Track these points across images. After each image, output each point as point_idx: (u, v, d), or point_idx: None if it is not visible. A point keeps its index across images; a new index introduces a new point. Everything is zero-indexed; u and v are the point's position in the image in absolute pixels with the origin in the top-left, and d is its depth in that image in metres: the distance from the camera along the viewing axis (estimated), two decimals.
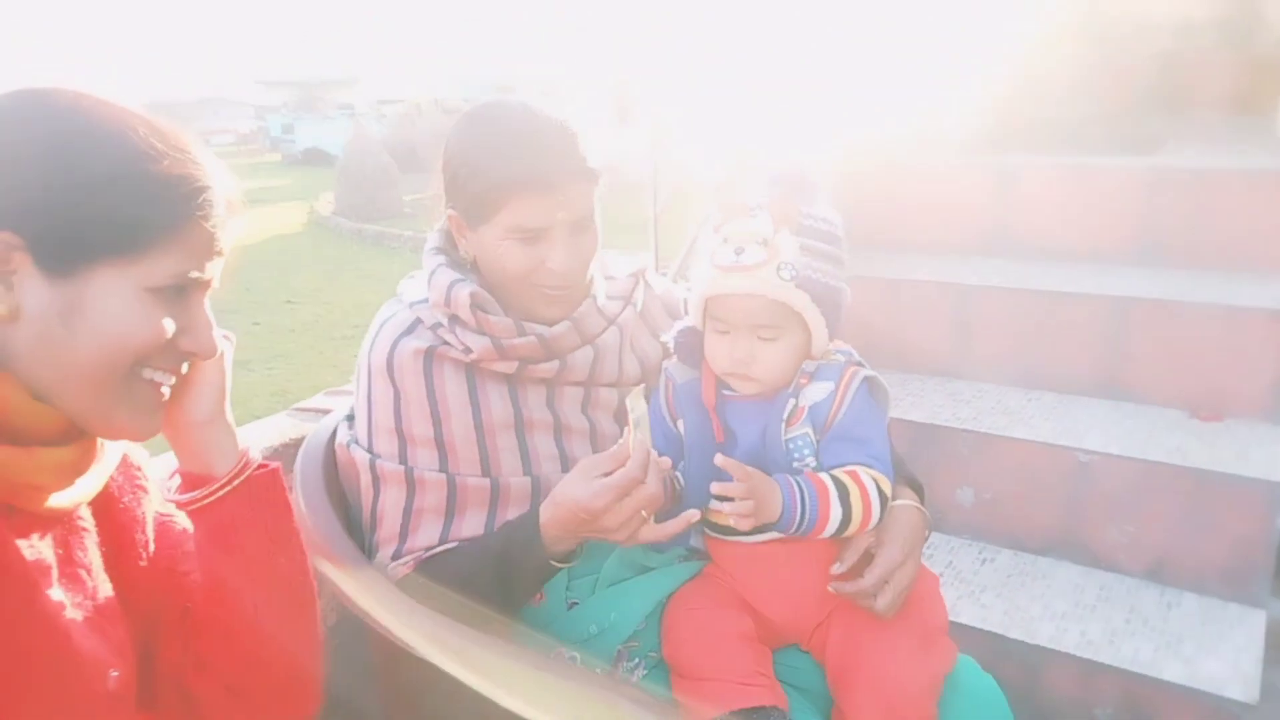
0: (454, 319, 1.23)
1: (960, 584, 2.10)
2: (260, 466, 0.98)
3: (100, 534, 0.92)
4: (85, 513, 0.90)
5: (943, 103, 3.34)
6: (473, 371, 1.25)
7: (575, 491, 1.11)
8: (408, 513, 1.23)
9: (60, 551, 0.85)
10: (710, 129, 3.12)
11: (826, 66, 2.89)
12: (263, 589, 0.97)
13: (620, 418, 1.37)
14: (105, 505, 0.93)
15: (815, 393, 1.20)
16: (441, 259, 1.28)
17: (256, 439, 1.57)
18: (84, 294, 0.79)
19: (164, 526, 1.01)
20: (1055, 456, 2.15)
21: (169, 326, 0.83)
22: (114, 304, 0.80)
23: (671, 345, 1.26)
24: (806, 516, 1.14)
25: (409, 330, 1.25)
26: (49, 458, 0.83)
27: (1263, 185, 2.46)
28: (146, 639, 0.95)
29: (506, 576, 1.19)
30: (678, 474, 1.24)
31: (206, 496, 0.95)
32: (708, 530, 1.27)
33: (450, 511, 1.23)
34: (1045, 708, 1.90)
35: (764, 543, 1.24)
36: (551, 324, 1.27)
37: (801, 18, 3.05)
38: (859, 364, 1.23)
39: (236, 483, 0.95)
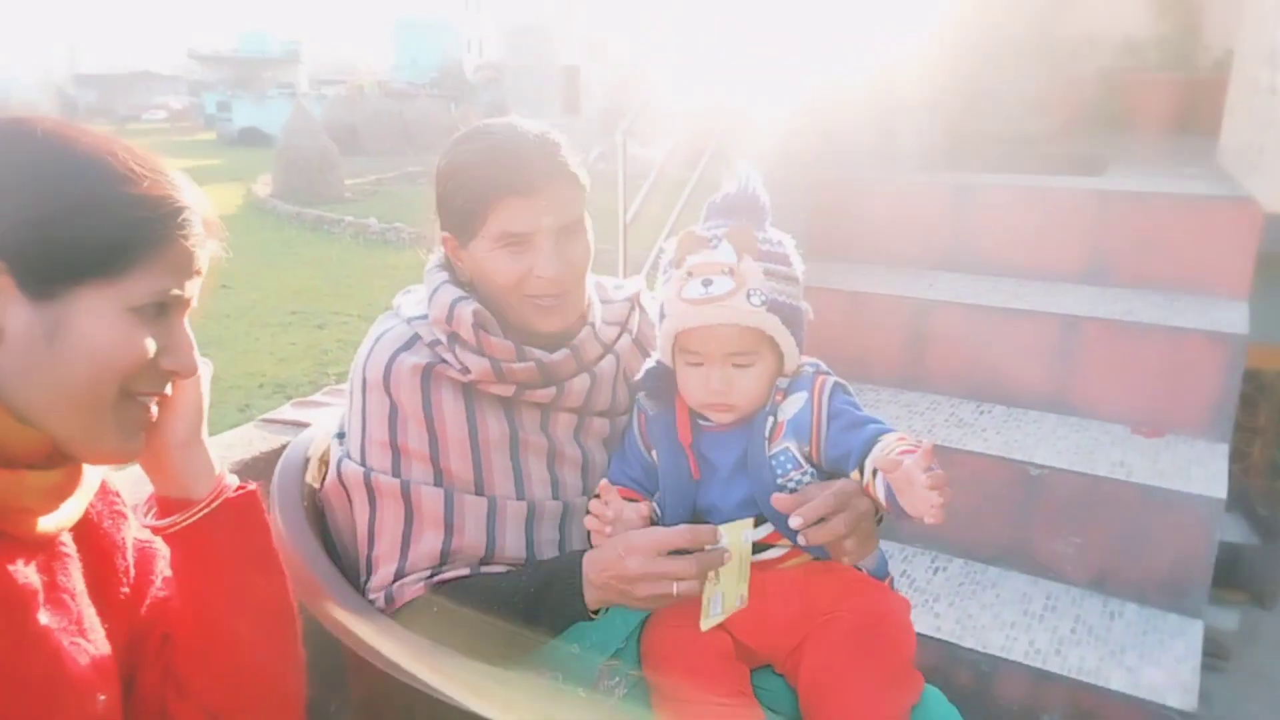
0: (454, 337, 1.23)
1: (914, 592, 2.15)
2: (239, 488, 0.97)
3: (82, 560, 0.91)
4: (67, 538, 0.89)
5: (901, 117, 3.41)
6: (470, 391, 1.24)
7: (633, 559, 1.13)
8: (407, 527, 1.21)
9: (45, 577, 0.84)
10: (669, 117, 3.13)
11: (785, 69, 2.92)
12: (242, 612, 0.96)
13: (611, 446, 1.38)
14: (86, 531, 0.92)
15: (792, 405, 1.22)
16: (444, 276, 1.27)
17: (223, 452, 1.54)
18: (67, 315, 0.79)
19: (143, 553, 0.99)
20: (1007, 470, 2.22)
21: (151, 346, 0.83)
22: (97, 324, 0.80)
23: (641, 383, 1.27)
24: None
25: (407, 346, 1.23)
26: (36, 481, 0.83)
27: (1203, 211, 2.56)
28: (128, 664, 0.94)
29: (535, 618, 1.18)
30: (655, 505, 1.25)
31: (184, 520, 0.93)
32: None
33: (449, 527, 1.21)
34: (995, 715, 1.97)
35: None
36: (549, 339, 1.27)
37: (756, 20, 3.08)
38: (825, 373, 1.26)
39: (214, 505, 0.94)
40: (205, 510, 0.94)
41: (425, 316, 1.25)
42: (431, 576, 1.22)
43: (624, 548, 1.16)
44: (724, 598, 1.16)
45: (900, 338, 2.63)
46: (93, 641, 0.88)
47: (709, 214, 1.28)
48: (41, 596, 0.82)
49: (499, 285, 1.22)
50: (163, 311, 0.85)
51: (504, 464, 1.24)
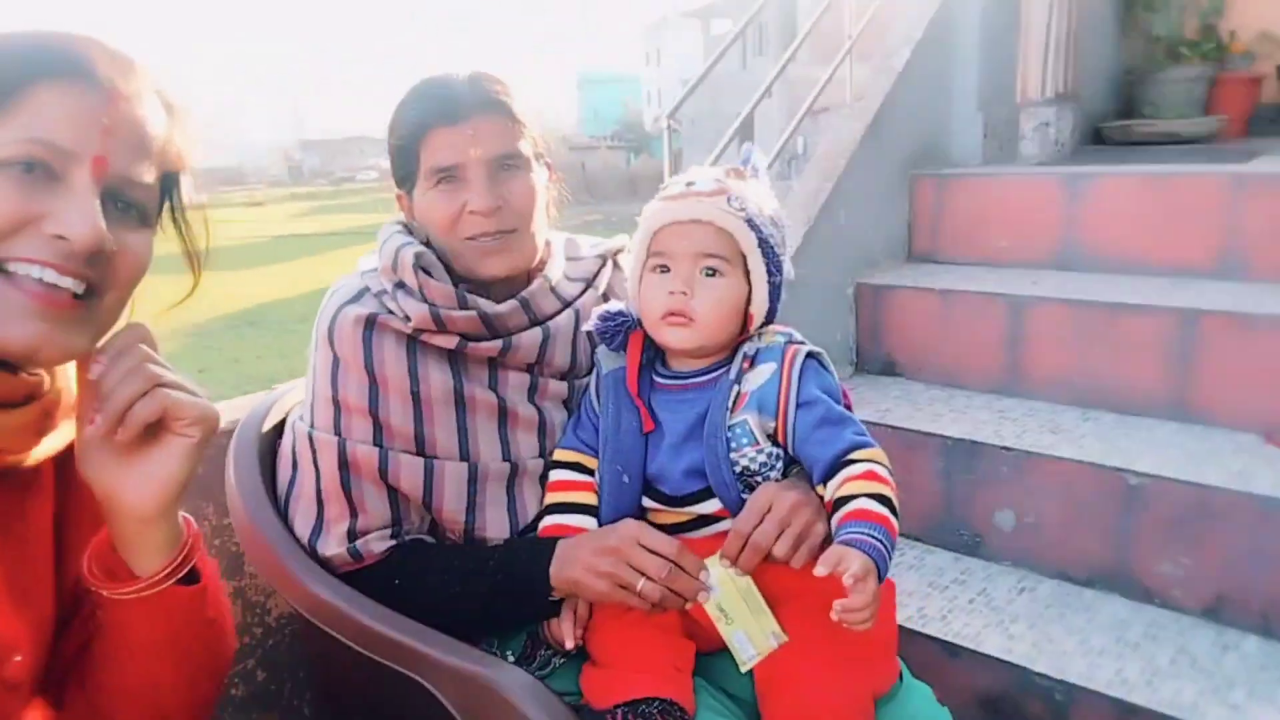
0: (399, 285, 1.22)
1: (990, 612, 1.94)
2: (191, 568, 0.87)
3: (59, 496, 0.88)
4: (46, 471, 0.86)
5: (1025, 113, 3.19)
6: (414, 343, 1.22)
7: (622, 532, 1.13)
8: (352, 488, 1.20)
9: (4, 506, 0.82)
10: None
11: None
12: (167, 668, 0.89)
13: (573, 408, 1.32)
14: (69, 467, 0.86)
15: (758, 376, 1.15)
16: (397, 228, 1.28)
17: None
18: None
19: None
20: (1102, 478, 1.97)
21: (23, 206, 0.75)
22: None
23: (595, 330, 1.21)
24: (890, 550, 1.04)
25: (355, 298, 1.23)
26: (7, 420, 0.80)
27: None
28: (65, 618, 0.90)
29: (496, 590, 1.16)
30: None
31: (116, 594, 0.84)
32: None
33: (389, 487, 1.20)
34: None
35: (698, 538, 1.17)
36: (500, 290, 1.24)
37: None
38: (800, 342, 1.17)
39: (157, 590, 0.85)
40: (144, 593, 0.85)
41: (377, 269, 1.25)
42: (394, 535, 1.21)
43: (615, 528, 1.13)
44: (750, 637, 1.10)
45: (995, 339, 2.42)
46: (32, 591, 0.84)
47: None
48: None
49: (438, 228, 1.21)
50: (49, 171, 0.76)
51: (447, 420, 1.21)
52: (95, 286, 0.80)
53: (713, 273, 1.13)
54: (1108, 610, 1.94)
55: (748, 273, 1.14)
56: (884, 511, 1.04)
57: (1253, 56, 4.23)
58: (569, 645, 1.16)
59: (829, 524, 1.07)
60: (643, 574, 1.09)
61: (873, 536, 1.01)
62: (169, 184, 0.89)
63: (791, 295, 2.39)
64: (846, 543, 1.00)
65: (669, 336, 1.15)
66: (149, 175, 0.83)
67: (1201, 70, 4.08)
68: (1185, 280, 2.40)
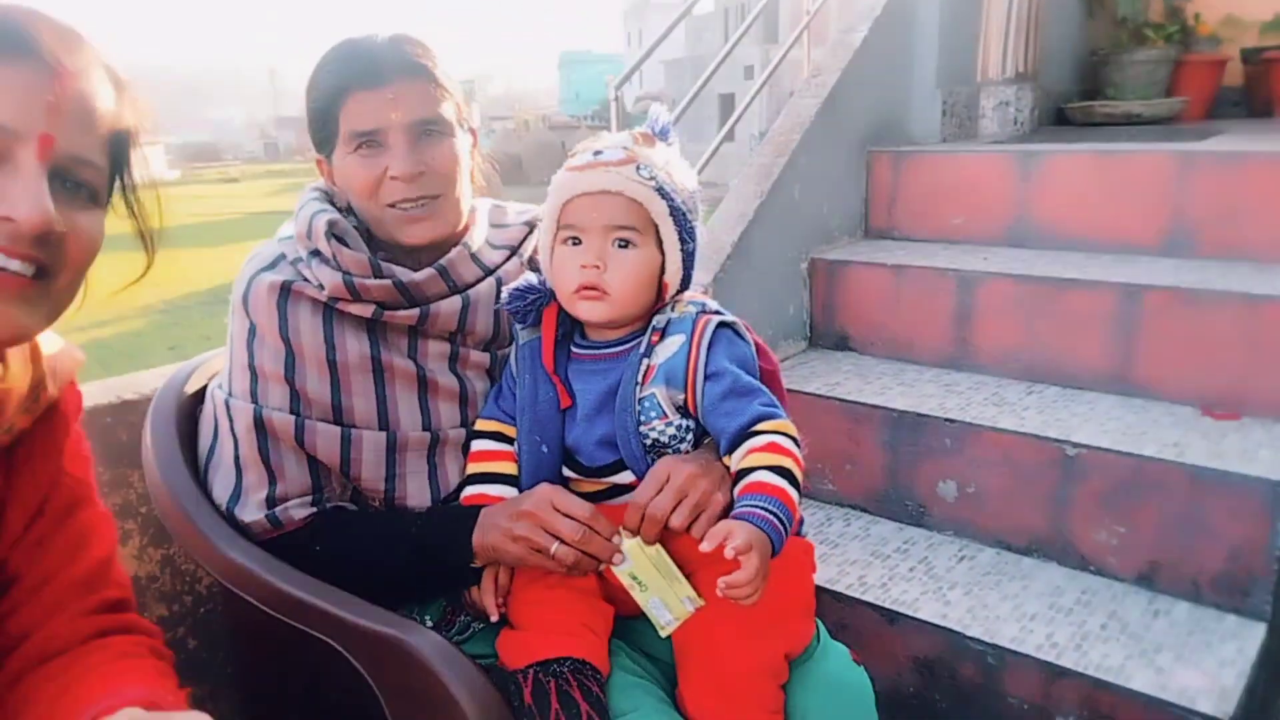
0: (314, 253, 1.20)
1: (929, 580, 1.97)
2: None
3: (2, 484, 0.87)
4: None
5: (985, 92, 3.20)
6: (330, 310, 1.20)
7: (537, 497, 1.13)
8: (270, 455, 1.19)
9: None
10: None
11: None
12: None
13: (496, 378, 1.31)
14: (20, 455, 0.88)
15: (666, 349, 1.14)
16: (315, 194, 1.26)
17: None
18: None
19: (83, 519, 0.93)
20: (1041, 449, 2.00)
21: None
22: None
23: (507, 309, 1.21)
24: (786, 523, 1.04)
25: (270, 265, 1.22)
26: None
27: None
28: None
29: (419, 554, 1.17)
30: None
31: None
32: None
33: (308, 455, 1.20)
34: (1004, 712, 1.76)
35: (616, 505, 1.17)
36: (422, 256, 1.23)
37: None
38: (715, 312, 1.17)
39: None
40: None
41: (293, 236, 1.24)
42: (315, 503, 1.21)
43: (530, 492, 1.13)
44: (666, 603, 1.11)
45: (945, 314, 2.44)
46: None
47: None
48: None
49: (359, 194, 1.19)
50: None
51: (365, 387, 1.21)
52: (47, 267, 0.78)
53: (625, 244, 1.12)
54: (1044, 578, 1.97)
55: (660, 241, 1.14)
56: (781, 484, 1.04)
57: (1218, 40, 4.26)
58: (492, 615, 1.16)
59: (732, 495, 1.08)
60: (557, 537, 1.10)
61: (766, 509, 1.02)
62: (119, 161, 0.87)
63: (744, 269, 2.43)
64: (739, 516, 1.01)
65: (583, 310, 1.15)
66: (98, 153, 0.82)
67: (1165, 53, 4.10)
68: (1133, 257, 2.42)
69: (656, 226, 1.13)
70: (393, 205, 1.19)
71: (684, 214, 1.14)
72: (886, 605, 1.89)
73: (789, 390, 2.31)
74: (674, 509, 1.06)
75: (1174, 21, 4.20)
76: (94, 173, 0.82)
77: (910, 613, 1.86)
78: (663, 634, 1.13)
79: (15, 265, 0.76)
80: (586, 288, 1.12)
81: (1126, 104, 3.77)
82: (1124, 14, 4.14)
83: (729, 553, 0.95)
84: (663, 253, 1.14)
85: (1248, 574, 1.80)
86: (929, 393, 2.28)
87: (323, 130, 1.20)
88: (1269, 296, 2.01)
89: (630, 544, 1.10)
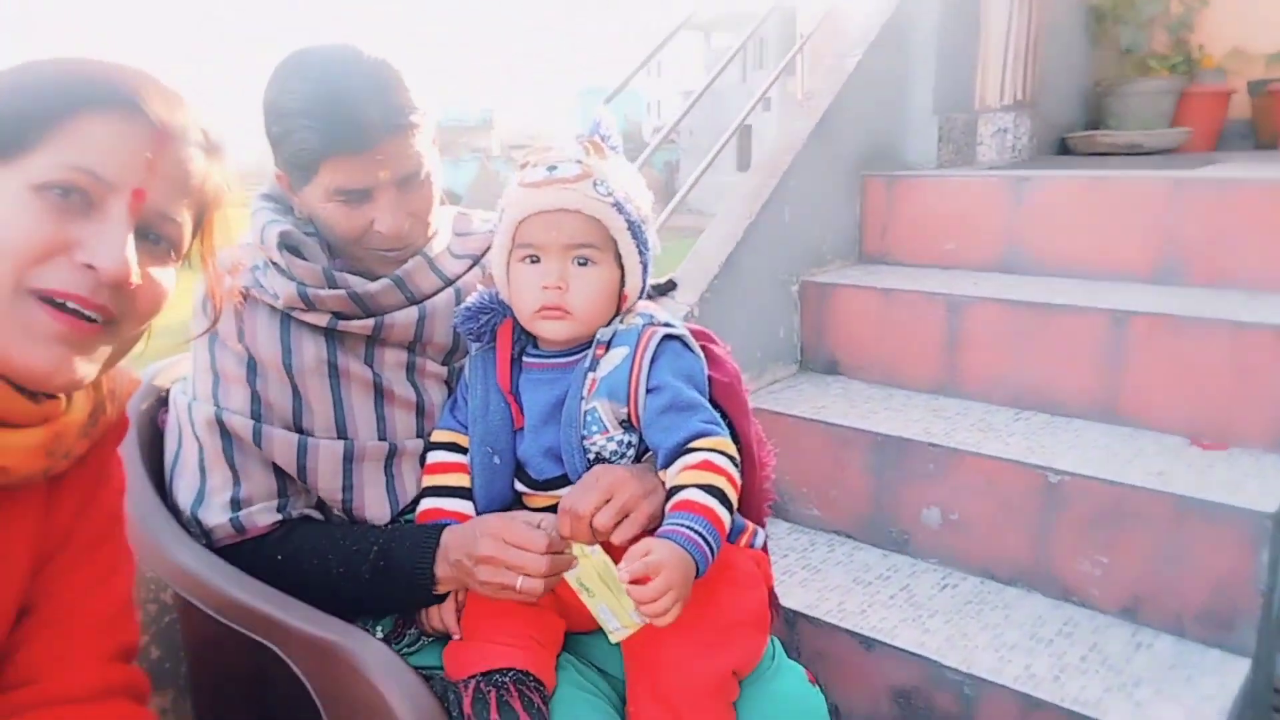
0: (268, 262, 1.20)
1: (910, 608, 1.94)
2: None
3: (44, 519, 0.86)
4: (38, 493, 0.84)
5: (983, 119, 3.19)
6: (286, 317, 1.20)
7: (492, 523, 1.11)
8: (235, 456, 1.18)
9: None
10: None
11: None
12: None
13: (454, 388, 1.30)
14: (69, 492, 0.87)
15: (609, 362, 1.13)
16: (267, 203, 1.26)
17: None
18: None
19: (111, 549, 0.93)
20: (1024, 476, 1.97)
21: (56, 232, 0.75)
22: None
23: (460, 331, 1.19)
24: (714, 544, 1.03)
25: (228, 271, 1.22)
26: (16, 440, 0.79)
27: None
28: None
29: (377, 577, 1.15)
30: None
31: None
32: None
33: (268, 459, 1.19)
34: None
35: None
36: (374, 278, 1.23)
37: None
38: (664, 324, 1.15)
39: None
40: None
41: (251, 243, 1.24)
42: (280, 509, 1.20)
43: (481, 528, 1.12)
44: (613, 610, 1.09)
45: (934, 339, 2.41)
46: None
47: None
48: None
49: (339, 237, 1.19)
50: (85, 199, 0.77)
51: (322, 391, 1.20)
52: (115, 317, 0.80)
53: (585, 262, 1.11)
54: (1026, 608, 1.93)
55: (619, 255, 1.13)
56: (710, 503, 1.03)
57: (1223, 72, 4.24)
58: (455, 635, 1.15)
59: (663, 509, 1.06)
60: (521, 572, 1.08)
61: (690, 528, 1.00)
62: (200, 221, 0.89)
63: (732, 290, 2.42)
64: (663, 534, 1.00)
65: (546, 330, 1.14)
66: (184, 213, 0.84)
67: (1170, 84, 4.09)
68: (1123, 284, 2.40)
69: (615, 241, 1.12)
70: (373, 248, 1.19)
71: (639, 226, 1.14)
72: (864, 632, 1.86)
73: (775, 413, 2.30)
74: (600, 510, 1.05)
75: (1178, 53, 4.19)
76: (176, 229, 0.84)
77: (888, 640, 1.83)
78: (612, 640, 1.11)
79: (89, 313, 0.78)
80: (549, 308, 1.11)
81: (1129, 134, 3.76)
82: (1128, 45, 4.13)
83: (638, 568, 0.94)
84: (622, 267, 1.14)
85: (1232, 608, 1.75)
86: (915, 417, 2.26)
87: (297, 171, 1.15)
88: (1259, 324, 1.98)
89: (576, 549, 1.08)
